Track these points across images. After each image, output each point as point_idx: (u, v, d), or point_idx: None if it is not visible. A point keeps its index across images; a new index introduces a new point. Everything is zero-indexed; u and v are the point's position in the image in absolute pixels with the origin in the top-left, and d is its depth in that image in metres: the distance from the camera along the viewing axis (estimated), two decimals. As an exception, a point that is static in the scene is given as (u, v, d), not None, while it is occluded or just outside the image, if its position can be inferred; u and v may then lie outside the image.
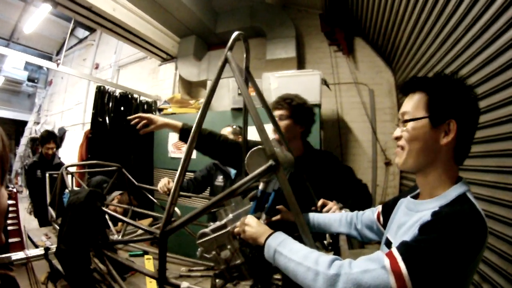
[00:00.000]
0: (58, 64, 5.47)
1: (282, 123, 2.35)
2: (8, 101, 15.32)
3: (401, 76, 4.84)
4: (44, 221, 4.65)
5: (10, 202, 5.78)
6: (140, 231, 3.17)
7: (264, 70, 5.29)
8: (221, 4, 6.35)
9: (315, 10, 5.87)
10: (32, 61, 5.16)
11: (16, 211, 5.91)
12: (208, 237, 1.39)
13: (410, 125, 1.20)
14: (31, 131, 13.33)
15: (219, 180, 3.69)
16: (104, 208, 1.81)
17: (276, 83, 4.49)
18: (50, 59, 6.44)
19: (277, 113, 2.43)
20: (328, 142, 5.43)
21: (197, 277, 2.38)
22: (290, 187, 1.19)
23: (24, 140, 13.17)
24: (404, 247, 0.98)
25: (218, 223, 1.42)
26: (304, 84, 4.42)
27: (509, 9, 2.04)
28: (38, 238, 3.27)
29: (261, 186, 1.51)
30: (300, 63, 5.95)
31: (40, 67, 15.02)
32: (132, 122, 2.39)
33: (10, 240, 5.30)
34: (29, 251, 2.29)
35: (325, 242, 1.80)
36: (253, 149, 1.36)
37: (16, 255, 2.32)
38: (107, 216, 2.74)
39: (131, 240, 2.61)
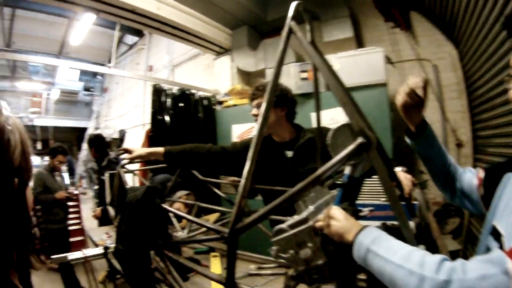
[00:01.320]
0: (110, 67, 5.66)
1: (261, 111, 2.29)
2: (67, 111, 16.98)
3: (465, 48, 4.43)
4: (104, 221, 4.73)
5: (72, 203, 6.14)
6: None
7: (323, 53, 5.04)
8: (270, -10, 6.17)
9: (366, -14, 5.55)
10: (83, 68, 5.29)
11: (79, 212, 6.25)
12: (286, 234, 1.18)
13: None
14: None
15: None
16: (164, 205, 1.69)
17: (339, 64, 4.30)
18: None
19: (254, 103, 2.50)
20: (398, 124, 5.03)
21: (267, 276, 2.24)
22: (385, 168, 0.97)
23: (85, 146, 13.66)
24: None
25: (297, 217, 1.19)
26: (367, 63, 4.24)
27: None
28: (99, 237, 3.39)
29: (347, 170, 1.29)
30: (359, 43, 5.66)
31: (95, 76, 16.70)
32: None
33: (73, 239, 5.58)
34: (87, 251, 2.45)
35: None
36: (337, 126, 1.16)
37: (73, 255, 2.52)
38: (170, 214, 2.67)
39: (194, 240, 2.51)
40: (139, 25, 5.69)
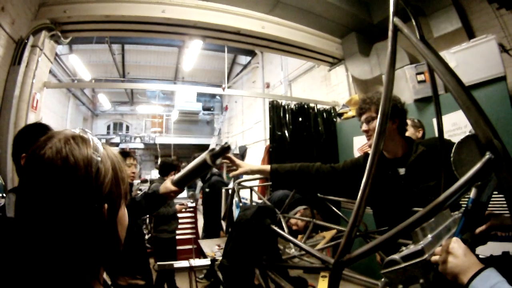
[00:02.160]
0: (223, 89, 5.74)
1: (372, 126, 2.25)
2: (188, 130, 18.87)
3: None
4: (211, 234, 4.95)
5: (189, 215, 7.07)
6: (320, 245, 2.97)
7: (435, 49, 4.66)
8: (367, -7, 5.94)
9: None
10: (197, 90, 5.62)
11: (195, 222, 6.76)
12: (397, 267, 1.01)
13: None
14: None
15: None
16: (273, 227, 1.66)
17: (454, 61, 3.88)
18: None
19: (363, 118, 2.32)
20: None
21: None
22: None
23: None
24: None
25: (412, 248, 1.02)
26: (481, 55, 3.75)
27: None
28: (210, 249, 3.46)
29: (472, 193, 1.04)
30: (469, 33, 5.01)
31: (214, 97, 18.30)
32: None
33: (184, 247, 6.09)
34: (193, 261, 2.59)
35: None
36: (461, 139, 0.95)
37: (179, 263, 2.73)
38: (285, 227, 2.72)
39: (296, 266, 2.47)
40: (247, 45, 5.85)
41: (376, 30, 6.17)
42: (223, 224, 2.80)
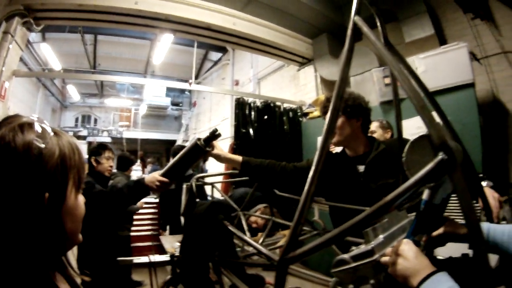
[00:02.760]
0: (190, 84, 5.76)
1: (337, 124, 2.21)
2: (155, 124, 18.84)
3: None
4: (176, 229, 4.84)
5: (152, 210, 6.98)
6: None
7: (405, 55, 4.74)
8: (342, -5, 6.03)
9: (438, -23, 5.16)
10: (164, 85, 5.58)
11: (157, 219, 6.68)
12: (347, 266, 1.00)
13: None
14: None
15: None
16: (226, 222, 1.69)
17: (423, 66, 4.00)
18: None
19: (327, 117, 2.13)
20: (489, 130, 4.47)
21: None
22: (469, 195, 0.75)
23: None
24: None
25: (362, 248, 1.01)
26: (451, 61, 3.89)
27: None
28: (171, 245, 3.50)
29: (425, 194, 1.03)
30: (441, 41, 5.21)
31: (182, 92, 18.37)
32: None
33: (146, 244, 6.08)
34: (153, 257, 2.57)
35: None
36: (414, 139, 0.98)
37: (139, 259, 2.70)
38: (244, 225, 2.60)
39: (246, 263, 2.45)
40: (217, 41, 5.86)
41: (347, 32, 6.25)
42: (183, 220, 2.77)
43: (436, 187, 1.00)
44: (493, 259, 1.36)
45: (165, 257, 2.53)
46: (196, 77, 13.72)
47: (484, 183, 1.60)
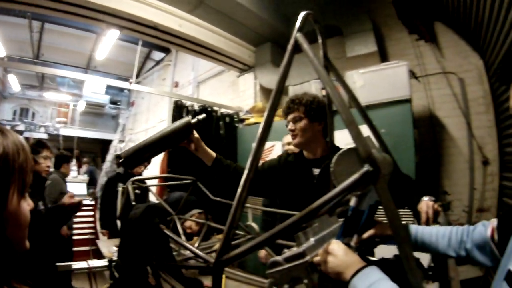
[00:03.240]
0: (130, 83, 5.63)
1: (298, 125, 2.32)
2: (92, 123, 17.95)
3: (491, 57, 4.21)
4: (114, 233, 4.75)
5: (88, 213, 6.58)
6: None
7: (345, 69, 4.95)
8: (290, 7, 6.09)
9: (387, -1, 5.45)
10: (106, 82, 5.40)
11: (94, 222, 6.33)
12: (280, 268, 1.07)
13: None
14: (116, 148, 14.90)
15: None
16: (161, 226, 1.67)
17: (362, 80, 4.19)
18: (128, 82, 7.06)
19: (290, 117, 2.41)
20: (422, 142, 4.86)
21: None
22: (393, 203, 0.83)
23: (109, 157, 14.90)
24: None
25: (294, 250, 1.09)
26: (390, 78, 4.10)
27: None
28: (108, 249, 3.39)
29: (352, 201, 1.15)
30: (383, 58, 5.51)
31: (122, 90, 17.60)
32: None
33: (82, 249, 5.60)
34: (92, 262, 2.48)
35: (425, 264, 1.41)
36: (342, 151, 1.05)
37: (78, 264, 2.58)
38: (180, 229, 2.66)
39: (183, 266, 2.43)
40: (162, 41, 5.78)
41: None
42: (119, 223, 2.71)
43: (362, 195, 1.11)
44: (426, 258, 1.49)
45: (103, 262, 2.46)
46: (137, 76, 13.34)
47: (426, 198, 1.73)
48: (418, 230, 1.43)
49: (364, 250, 1.20)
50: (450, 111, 4.92)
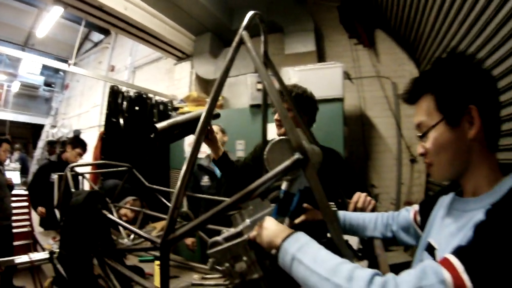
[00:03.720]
0: (69, 65, 5.38)
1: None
2: (25, 105, 16.05)
3: (426, 68, 4.58)
4: (50, 224, 4.39)
5: (23, 204, 5.87)
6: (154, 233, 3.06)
7: (283, 65, 5.09)
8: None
9: (332, 2, 5.65)
10: (45, 63, 5.06)
11: (29, 213, 5.88)
12: (221, 247, 1.16)
13: (430, 136, 1.02)
14: (48, 134, 13.78)
15: (205, 180, 3.74)
16: (104, 212, 1.65)
17: (297, 77, 4.32)
18: (66, 63, 6.54)
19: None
20: (352, 139, 5.20)
21: (210, 286, 2.21)
22: (320, 186, 0.96)
23: (41, 143, 13.82)
24: (463, 253, 0.74)
25: (232, 230, 1.18)
26: (325, 77, 4.28)
27: None
28: (46, 242, 3.19)
29: (284, 185, 1.28)
30: (320, 57, 5.75)
31: (57, 72, 15.96)
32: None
33: (20, 243, 5.30)
34: (33, 255, 2.28)
35: (355, 247, 1.57)
36: (274, 141, 1.14)
37: (19, 258, 2.34)
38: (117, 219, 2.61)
39: (131, 249, 2.45)
40: (105, 23, 5.59)
41: (232, 36, 6.38)
42: (57, 213, 2.64)
43: (292, 180, 1.23)
44: (355, 241, 1.67)
45: (44, 255, 2.30)
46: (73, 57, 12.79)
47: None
48: (346, 215, 1.59)
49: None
50: (381, 112, 5.26)
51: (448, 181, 1.11)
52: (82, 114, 11.91)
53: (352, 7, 5.26)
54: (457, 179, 1.05)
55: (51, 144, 12.55)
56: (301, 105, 2.32)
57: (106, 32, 11.22)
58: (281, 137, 1.14)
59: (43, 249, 3.02)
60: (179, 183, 1.09)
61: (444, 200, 1.15)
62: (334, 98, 4.23)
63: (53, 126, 14.21)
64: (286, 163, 0.97)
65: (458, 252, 0.75)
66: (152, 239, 1.18)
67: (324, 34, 5.90)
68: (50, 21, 7.83)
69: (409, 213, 1.43)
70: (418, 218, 1.35)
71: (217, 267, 1.18)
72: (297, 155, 0.95)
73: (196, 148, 1.13)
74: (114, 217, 1.66)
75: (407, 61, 5.19)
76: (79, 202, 1.64)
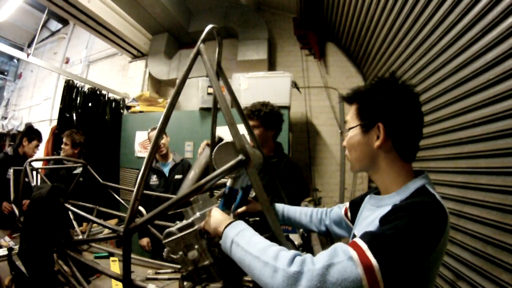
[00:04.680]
0: (28, 55, 5.25)
1: (255, 132, 2.61)
2: None
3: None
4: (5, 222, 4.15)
5: None
6: (105, 232, 3.13)
7: (234, 71, 5.35)
8: (196, 3, 6.32)
9: (289, 13, 5.93)
10: (3, 49, 4.85)
11: None
12: (175, 237, 1.31)
13: (348, 134, 1.26)
14: None
15: (153, 179, 3.88)
16: (67, 205, 1.72)
17: (246, 84, 4.52)
18: (21, 50, 6.24)
19: (250, 123, 2.69)
20: (297, 145, 5.51)
21: (164, 280, 2.33)
22: (260, 182, 1.14)
23: None
24: (368, 236, 0.94)
25: (184, 222, 1.34)
26: (274, 86, 4.48)
27: (481, 20, 2.16)
28: (2, 239, 3.06)
29: (229, 182, 1.46)
30: (271, 66, 6.01)
31: (11, 59, 14.53)
32: None
33: None
34: None
35: (296, 243, 1.77)
36: (220, 144, 1.31)
37: None
38: (71, 215, 2.68)
39: (94, 239, 2.51)
40: (67, 14, 5.48)
41: (188, 38, 6.62)
42: (15, 208, 2.61)
43: (236, 178, 1.43)
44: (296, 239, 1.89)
45: (3, 251, 2.33)
46: (30, 45, 12.08)
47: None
48: (284, 208, 1.82)
49: None
50: (326, 120, 5.56)
51: (360, 171, 1.32)
52: (33, 106, 11.43)
53: (307, 20, 5.52)
54: (369, 176, 1.29)
55: (1, 137, 12.02)
56: (271, 121, 2.71)
57: (64, 22, 10.78)
58: (227, 141, 1.30)
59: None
60: (139, 175, 1.27)
61: (368, 198, 1.38)
62: (281, 106, 4.36)
63: (4, 118, 13.26)
64: (231, 162, 1.16)
65: (363, 236, 0.95)
66: (115, 228, 1.33)
67: (277, 43, 6.14)
68: (12, 5, 7.42)
69: (341, 209, 1.66)
70: (349, 214, 1.58)
71: (172, 255, 1.32)
72: (240, 156, 1.15)
73: (154, 147, 1.32)
74: (77, 210, 1.71)
75: (355, 74, 5.53)
76: (43, 196, 1.68)
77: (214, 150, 1.30)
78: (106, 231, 3.12)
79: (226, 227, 1.14)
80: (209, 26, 1.50)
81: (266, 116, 2.70)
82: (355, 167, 1.29)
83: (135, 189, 1.26)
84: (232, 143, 1.22)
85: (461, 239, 2.52)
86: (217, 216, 1.23)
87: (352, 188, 5.40)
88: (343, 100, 1.39)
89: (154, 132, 3.59)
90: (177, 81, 1.42)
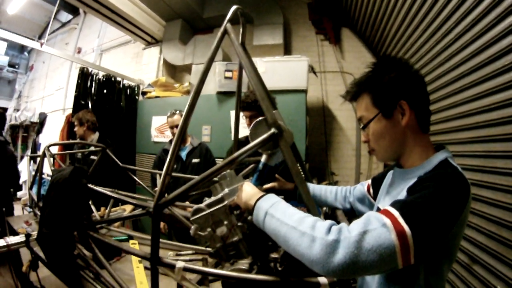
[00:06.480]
0: (41, 44, 5.34)
1: (253, 121, 2.57)
2: None
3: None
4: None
5: None
6: (125, 214, 3.15)
7: (251, 55, 5.23)
8: (210, -12, 6.29)
9: (304, -1, 5.88)
10: (16, 40, 4.84)
11: None
12: (204, 213, 1.30)
13: (370, 127, 1.26)
14: (11, 118, 12.97)
15: None
16: (90, 185, 1.70)
17: (264, 68, 4.51)
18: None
19: (246, 113, 2.93)
20: (313, 129, 5.48)
21: (185, 262, 2.34)
22: (293, 156, 1.15)
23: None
24: (399, 204, 0.97)
25: (214, 198, 1.33)
26: (291, 69, 4.48)
27: (498, 6, 2.15)
28: (19, 226, 3.07)
29: (263, 158, 1.48)
30: (287, 50, 5.98)
31: (22, 52, 14.68)
32: None
33: None
34: (9, 238, 2.17)
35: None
36: (258, 119, 1.35)
37: None
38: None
39: (119, 218, 2.47)
40: (79, 3, 5.44)
41: (202, 24, 6.55)
42: (33, 193, 2.58)
43: (272, 154, 1.46)
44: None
45: (20, 238, 2.18)
46: (40, 37, 12.04)
47: None
48: (310, 185, 1.87)
49: None
50: (342, 105, 5.51)
51: (391, 161, 1.33)
52: (46, 97, 11.52)
53: (322, 5, 5.49)
54: (397, 159, 1.29)
55: (13, 129, 12.19)
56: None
57: (74, 12, 10.82)
58: (262, 118, 1.33)
59: (17, 234, 2.79)
60: (170, 153, 1.28)
61: (391, 173, 1.41)
62: (298, 90, 4.46)
63: (16, 110, 13.52)
64: (264, 135, 1.17)
65: (394, 204, 0.98)
66: (144, 205, 1.35)
67: (292, 29, 6.12)
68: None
69: (364, 186, 1.70)
70: (371, 190, 1.62)
71: (200, 232, 1.32)
72: (272, 130, 1.16)
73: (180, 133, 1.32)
74: (102, 190, 1.72)
75: (370, 59, 5.39)
76: (65, 177, 1.65)
77: (252, 126, 1.34)
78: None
79: (259, 199, 1.15)
80: (234, 7, 1.52)
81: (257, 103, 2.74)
82: (386, 158, 1.30)
83: (165, 165, 1.27)
84: (266, 119, 1.22)
85: (476, 222, 2.54)
86: (249, 190, 1.23)
87: (368, 172, 5.40)
88: (347, 99, 1.39)
89: (174, 117, 3.63)
90: (203, 65, 1.42)
